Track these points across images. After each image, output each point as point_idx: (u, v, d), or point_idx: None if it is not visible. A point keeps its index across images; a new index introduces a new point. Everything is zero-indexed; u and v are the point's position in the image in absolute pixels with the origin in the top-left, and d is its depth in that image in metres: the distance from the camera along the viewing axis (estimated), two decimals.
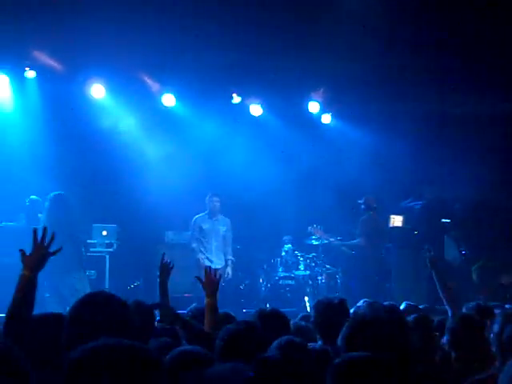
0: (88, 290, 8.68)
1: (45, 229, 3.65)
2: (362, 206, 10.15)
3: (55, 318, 3.17)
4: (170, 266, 4.96)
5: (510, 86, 10.06)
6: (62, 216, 8.29)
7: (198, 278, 4.63)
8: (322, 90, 10.93)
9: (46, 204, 8.58)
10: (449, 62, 9.84)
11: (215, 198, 10.10)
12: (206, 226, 10.13)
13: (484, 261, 9.54)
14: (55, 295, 8.11)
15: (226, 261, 10.15)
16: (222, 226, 10.18)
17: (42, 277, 3.55)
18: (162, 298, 4.83)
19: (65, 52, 9.41)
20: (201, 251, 10.02)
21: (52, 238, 3.62)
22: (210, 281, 4.54)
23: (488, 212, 10.42)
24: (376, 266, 9.82)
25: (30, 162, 9.80)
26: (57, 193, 8.61)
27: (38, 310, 3.42)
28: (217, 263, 9.77)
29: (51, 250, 3.56)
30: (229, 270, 10.15)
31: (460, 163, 10.93)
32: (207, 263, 9.53)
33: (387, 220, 10.62)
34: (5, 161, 9.87)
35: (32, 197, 9.24)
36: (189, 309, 5.17)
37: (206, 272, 4.61)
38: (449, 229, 10.33)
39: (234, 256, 10.28)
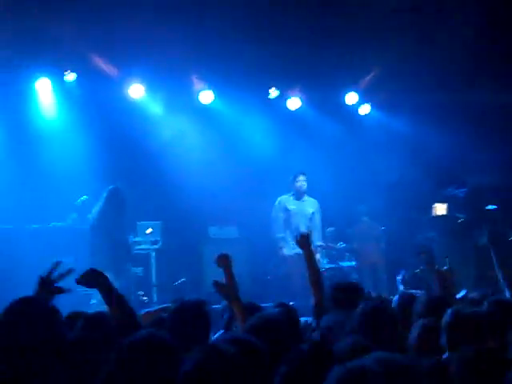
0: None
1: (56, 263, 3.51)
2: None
3: None
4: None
5: None
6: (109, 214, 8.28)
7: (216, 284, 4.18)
8: (362, 80, 10.87)
9: (104, 195, 8.46)
10: (488, 51, 9.71)
11: (302, 177, 9.26)
12: (292, 207, 9.24)
13: None
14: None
15: (315, 247, 8.70)
16: (310, 207, 9.34)
17: None
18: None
19: (113, 54, 9.53)
20: (286, 244, 9.07)
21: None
22: (225, 289, 4.19)
23: None
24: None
25: (74, 163, 9.90)
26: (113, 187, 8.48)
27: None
28: None
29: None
30: (318, 256, 9.05)
31: (501, 150, 10.83)
32: (289, 250, 8.87)
33: None
34: (50, 164, 9.99)
35: (83, 197, 9.31)
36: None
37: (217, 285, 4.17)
38: (496, 215, 10.18)
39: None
